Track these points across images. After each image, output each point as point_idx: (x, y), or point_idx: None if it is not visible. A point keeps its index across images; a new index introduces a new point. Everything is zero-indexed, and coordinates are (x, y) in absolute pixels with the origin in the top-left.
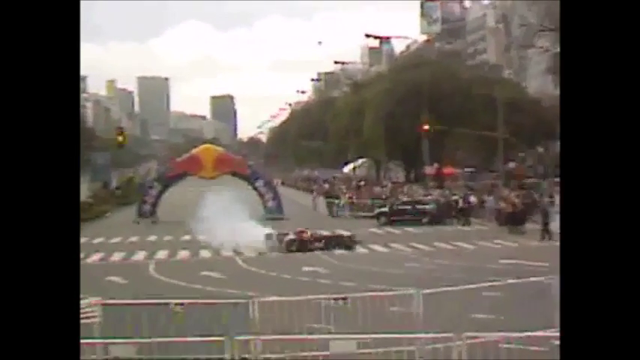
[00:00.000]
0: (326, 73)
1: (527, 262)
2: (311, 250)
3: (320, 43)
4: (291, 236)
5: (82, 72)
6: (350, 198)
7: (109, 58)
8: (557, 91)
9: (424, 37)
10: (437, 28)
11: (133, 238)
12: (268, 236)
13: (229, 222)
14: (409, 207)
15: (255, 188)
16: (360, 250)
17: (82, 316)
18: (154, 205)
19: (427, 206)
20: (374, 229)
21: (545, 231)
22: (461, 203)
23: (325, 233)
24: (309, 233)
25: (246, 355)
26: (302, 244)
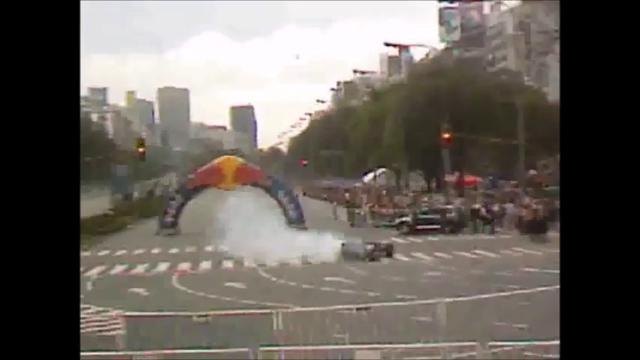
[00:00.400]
0: (345, 83)
1: (549, 270)
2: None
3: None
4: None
5: (102, 84)
6: (371, 207)
7: (127, 70)
8: None
9: (443, 45)
10: (456, 35)
11: (156, 250)
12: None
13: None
14: (431, 216)
15: (276, 198)
16: (382, 259)
17: (106, 327)
18: (176, 216)
19: (449, 215)
20: (395, 238)
21: None
22: (483, 212)
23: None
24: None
25: None
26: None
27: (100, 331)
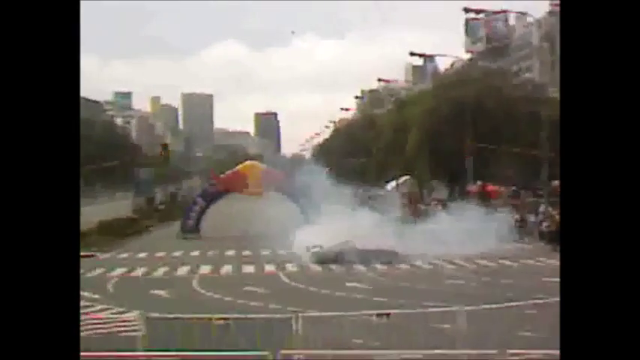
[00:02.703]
0: (370, 91)
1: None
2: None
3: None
4: None
5: (127, 88)
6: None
7: (148, 76)
8: None
9: (468, 56)
10: (481, 46)
11: (177, 253)
12: None
13: None
14: None
15: (299, 205)
16: (403, 266)
17: (126, 328)
18: (198, 220)
19: None
20: None
21: None
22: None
23: None
24: None
25: None
26: None
27: (121, 331)
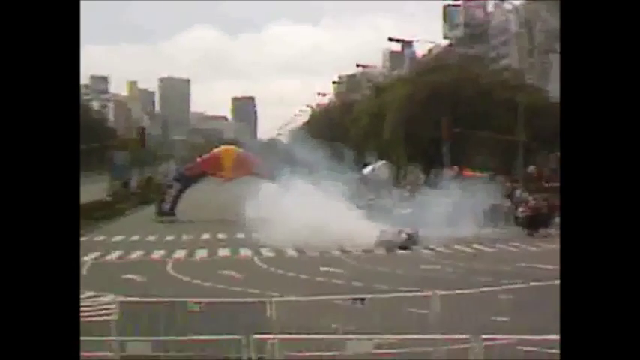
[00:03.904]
0: (347, 76)
1: (544, 266)
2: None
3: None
4: None
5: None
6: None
7: (124, 61)
8: None
9: (446, 42)
10: (459, 32)
11: (152, 237)
12: None
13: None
14: None
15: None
16: (377, 252)
17: (99, 312)
18: (174, 204)
19: None
20: None
21: None
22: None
23: None
24: None
25: (263, 355)
26: None
27: (93, 316)
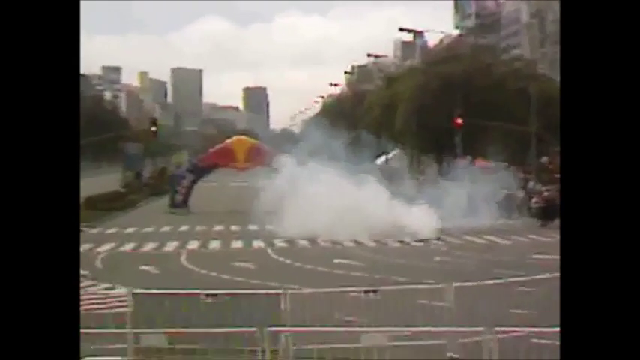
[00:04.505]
0: (359, 67)
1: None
2: None
3: None
4: None
5: (116, 63)
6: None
7: (134, 51)
8: None
9: (457, 32)
10: (471, 22)
11: (166, 228)
12: None
13: None
14: None
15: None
16: (391, 243)
17: (114, 305)
18: (186, 195)
19: None
20: None
21: None
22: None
23: None
24: None
25: (277, 347)
26: None
27: (107, 308)
